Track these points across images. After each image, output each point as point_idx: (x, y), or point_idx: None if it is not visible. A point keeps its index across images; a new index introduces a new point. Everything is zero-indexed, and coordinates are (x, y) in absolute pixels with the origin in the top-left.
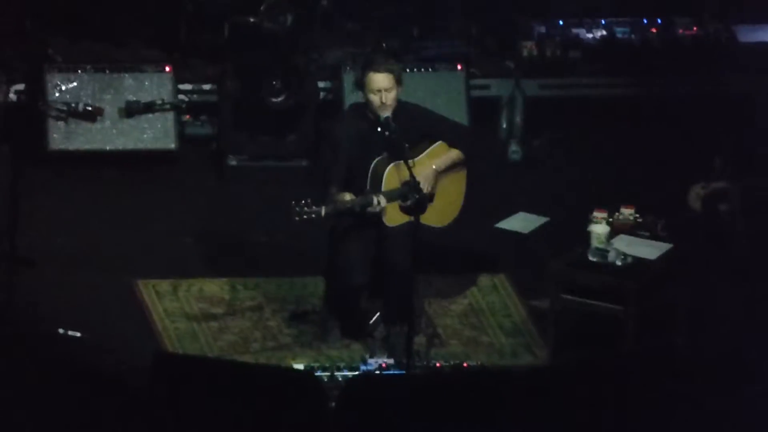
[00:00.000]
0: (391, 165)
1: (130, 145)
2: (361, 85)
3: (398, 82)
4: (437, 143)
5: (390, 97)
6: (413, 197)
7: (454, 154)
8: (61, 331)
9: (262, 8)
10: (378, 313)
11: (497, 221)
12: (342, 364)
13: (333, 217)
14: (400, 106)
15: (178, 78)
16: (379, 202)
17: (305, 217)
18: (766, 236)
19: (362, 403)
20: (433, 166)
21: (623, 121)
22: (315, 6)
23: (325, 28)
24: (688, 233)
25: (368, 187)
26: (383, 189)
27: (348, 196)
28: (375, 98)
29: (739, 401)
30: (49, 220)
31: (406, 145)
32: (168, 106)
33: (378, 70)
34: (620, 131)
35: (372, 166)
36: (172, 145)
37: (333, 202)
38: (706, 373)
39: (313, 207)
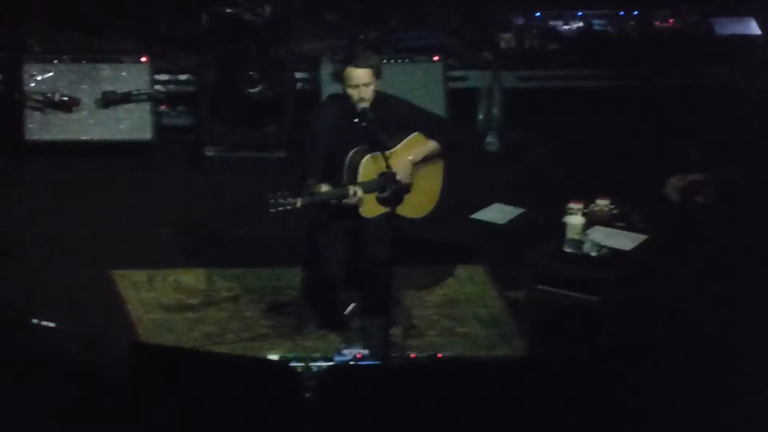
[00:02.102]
0: (368, 156)
1: (107, 135)
2: (340, 78)
3: (377, 75)
4: (414, 134)
5: (369, 92)
6: (390, 188)
7: (431, 145)
8: (36, 321)
9: None
10: (354, 304)
11: (474, 212)
12: (317, 355)
13: (309, 209)
14: (378, 98)
15: (155, 68)
16: (355, 193)
17: (281, 208)
18: (741, 228)
19: (338, 393)
20: (410, 158)
21: (600, 112)
22: None
23: (304, 19)
24: (664, 224)
25: (345, 179)
26: (360, 180)
27: (325, 188)
28: (354, 92)
29: (716, 393)
30: (25, 210)
31: (383, 136)
32: (145, 97)
33: (358, 65)
34: (597, 122)
35: (348, 157)
36: (149, 136)
37: (309, 193)
38: (683, 364)
39: (289, 198)
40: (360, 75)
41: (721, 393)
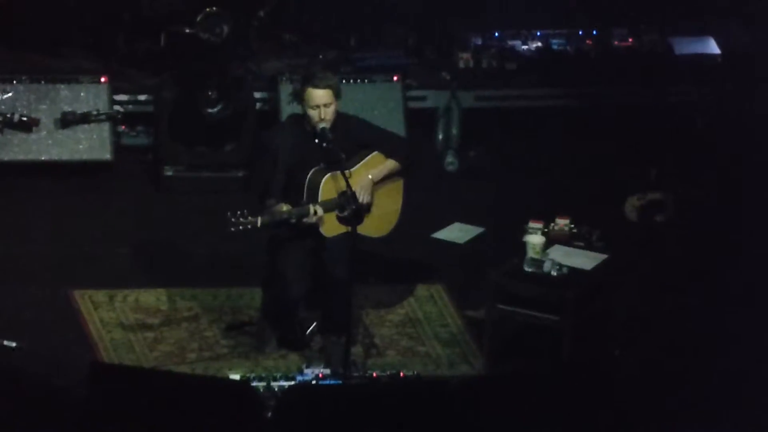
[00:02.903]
0: (328, 175)
1: (66, 155)
2: (299, 98)
3: (337, 96)
4: (373, 153)
5: (329, 112)
6: (350, 207)
7: (391, 164)
8: None
9: (198, 19)
10: (315, 323)
11: (434, 231)
12: (279, 375)
13: (269, 228)
14: (338, 117)
15: (114, 88)
16: (315, 212)
17: (241, 228)
18: (700, 246)
19: (299, 413)
20: (370, 176)
21: (559, 132)
22: (252, 17)
23: (262, 39)
24: (624, 243)
25: (305, 198)
26: (320, 199)
27: (285, 207)
28: (314, 113)
29: (674, 410)
30: None
31: (343, 155)
32: (104, 117)
33: (317, 86)
34: (556, 142)
35: (309, 176)
36: (108, 156)
37: (269, 212)
38: (641, 383)
39: (249, 217)
40: (320, 95)
41: (681, 408)
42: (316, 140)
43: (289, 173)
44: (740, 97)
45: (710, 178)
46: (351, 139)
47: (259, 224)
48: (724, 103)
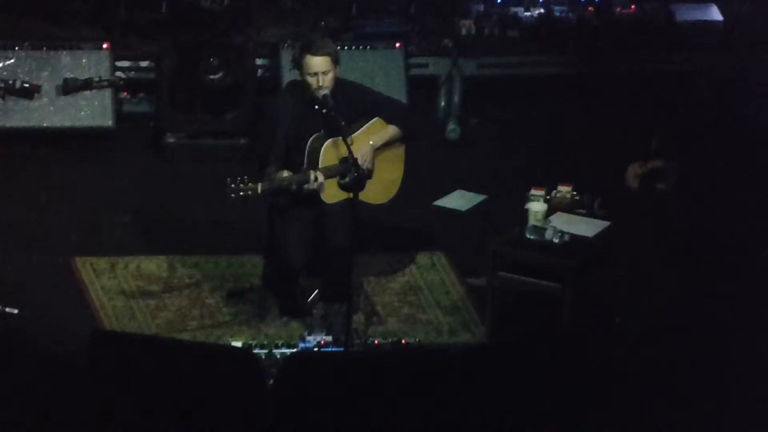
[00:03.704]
0: (328, 141)
1: (68, 122)
2: (298, 66)
3: (335, 63)
4: (374, 120)
5: (327, 79)
6: (351, 174)
7: (392, 130)
8: None
9: None
10: (316, 291)
11: (435, 199)
12: (280, 342)
13: (270, 195)
14: (338, 84)
15: (115, 55)
16: (316, 179)
17: (241, 194)
18: (701, 215)
19: (300, 380)
20: (371, 142)
21: (561, 99)
22: None
23: (264, 6)
24: (625, 211)
25: (305, 165)
26: (320, 166)
27: (285, 174)
28: (312, 80)
29: (676, 378)
30: None
31: (343, 122)
32: (105, 84)
33: (315, 54)
34: (558, 110)
35: (309, 143)
36: (110, 123)
37: (270, 179)
38: (643, 352)
39: (250, 184)
40: (318, 63)
41: (682, 379)
42: (317, 107)
43: (289, 140)
44: (742, 64)
45: (712, 147)
46: (351, 105)
47: (259, 191)
48: (726, 71)
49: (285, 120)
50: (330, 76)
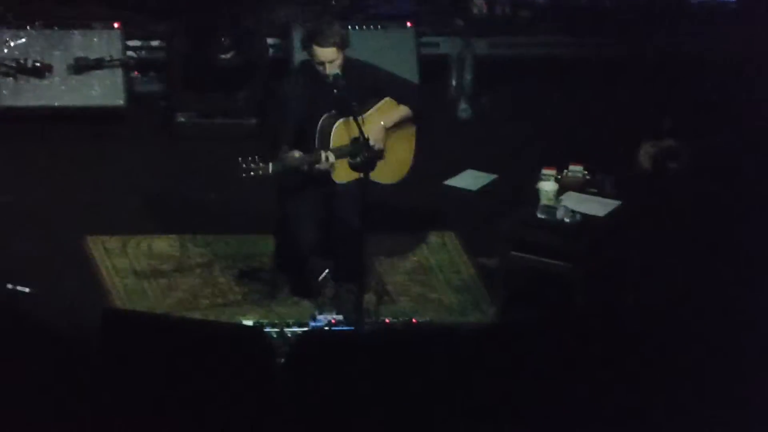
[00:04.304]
0: (340, 121)
1: (79, 101)
2: (306, 50)
3: (343, 49)
4: (385, 99)
5: (335, 66)
6: (363, 154)
7: (403, 110)
8: (10, 286)
9: None
10: (327, 270)
11: (446, 179)
12: (291, 321)
13: (281, 174)
14: (349, 63)
15: (127, 35)
16: (327, 159)
17: (252, 173)
18: (713, 194)
19: (311, 359)
20: (382, 123)
21: (573, 79)
22: None
23: None
24: (637, 191)
25: (316, 144)
26: (332, 146)
27: (297, 153)
28: (320, 68)
29: (686, 358)
30: None
31: (355, 102)
32: (116, 63)
33: (322, 45)
34: (569, 89)
35: (320, 122)
36: (121, 102)
37: (281, 159)
38: (654, 332)
39: (260, 163)
40: (325, 54)
41: (692, 360)
42: (328, 86)
43: (300, 120)
44: (756, 42)
45: (725, 126)
46: (362, 85)
47: (270, 170)
48: (739, 49)
49: (296, 99)
50: (337, 62)
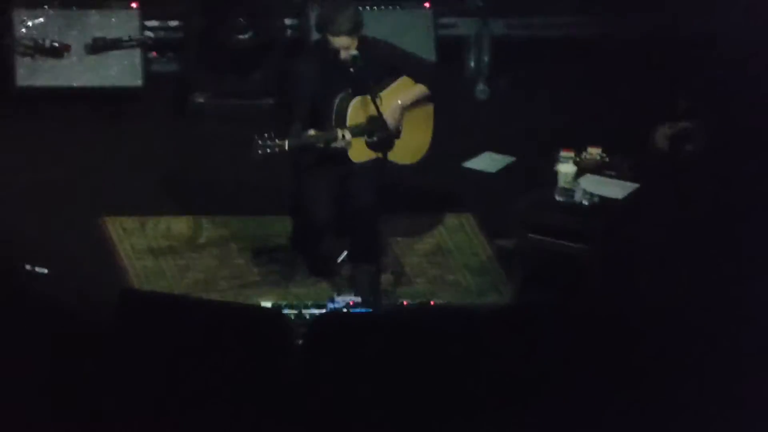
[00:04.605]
0: (356, 99)
1: (97, 81)
2: (320, 33)
3: (357, 33)
4: (402, 78)
5: (349, 52)
6: (380, 133)
7: (420, 88)
8: (27, 267)
9: None
10: (345, 252)
11: (464, 160)
12: (309, 302)
13: (298, 153)
14: (366, 42)
15: (144, 15)
16: (344, 136)
17: (268, 150)
18: (731, 176)
19: (329, 341)
20: (399, 102)
21: (590, 60)
22: None
23: None
24: (655, 173)
25: (333, 123)
26: (348, 124)
27: (313, 131)
28: (335, 53)
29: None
30: (16, 156)
31: (372, 80)
32: (134, 43)
33: (334, 35)
34: (587, 70)
35: (336, 101)
36: (139, 82)
37: (297, 136)
38: (670, 315)
39: (276, 140)
40: (338, 41)
41: (707, 344)
42: (344, 64)
43: (317, 98)
44: None
45: (741, 107)
46: (379, 63)
47: (286, 147)
48: (755, 34)
49: (312, 78)
50: (352, 47)
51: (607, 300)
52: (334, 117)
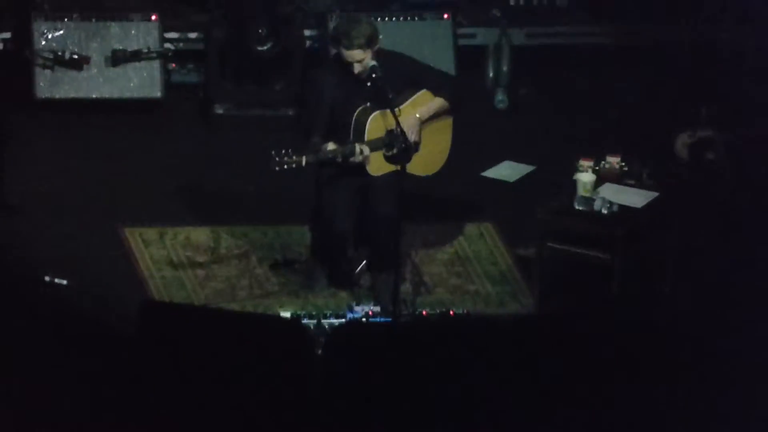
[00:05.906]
0: (375, 113)
1: (117, 93)
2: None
3: (371, 46)
4: (421, 91)
5: (363, 64)
6: (398, 146)
7: (439, 102)
8: (47, 278)
9: None
10: (364, 261)
11: (483, 170)
12: (329, 312)
13: (315, 167)
14: (384, 55)
15: (164, 26)
16: (362, 152)
17: (285, 166)
18: (751, 185)
19: (349, 350)
20: (417, 115)
21: (610, 69)
22: None
23: None
24: (675, 181)
25: (351, 137)
26: (366, 138)
27: (331, 146)
28: (350, 66)
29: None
30: (36, 167)
31: (390, 93)
32: (154, 55)
33: (347, 48)
34: (606, 79)
35: (355, 114)
36: (158, 94)
37: (314, 151)
38: (691, 323)
39: (294, 156)
40: (351, 54)
41: (729, 348)
42: (364, 78)
43: (335, 112)
44: None
45: (761, 117)
46: (398, 76)
47: (303, 163)
48: None
49: (331, 91)
50: (367, 59)
51: (628, 308)
52: (352, 130)
